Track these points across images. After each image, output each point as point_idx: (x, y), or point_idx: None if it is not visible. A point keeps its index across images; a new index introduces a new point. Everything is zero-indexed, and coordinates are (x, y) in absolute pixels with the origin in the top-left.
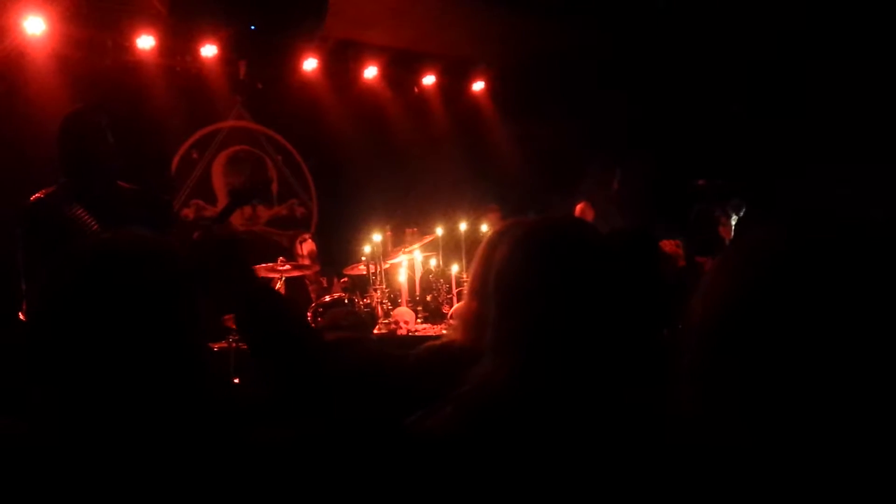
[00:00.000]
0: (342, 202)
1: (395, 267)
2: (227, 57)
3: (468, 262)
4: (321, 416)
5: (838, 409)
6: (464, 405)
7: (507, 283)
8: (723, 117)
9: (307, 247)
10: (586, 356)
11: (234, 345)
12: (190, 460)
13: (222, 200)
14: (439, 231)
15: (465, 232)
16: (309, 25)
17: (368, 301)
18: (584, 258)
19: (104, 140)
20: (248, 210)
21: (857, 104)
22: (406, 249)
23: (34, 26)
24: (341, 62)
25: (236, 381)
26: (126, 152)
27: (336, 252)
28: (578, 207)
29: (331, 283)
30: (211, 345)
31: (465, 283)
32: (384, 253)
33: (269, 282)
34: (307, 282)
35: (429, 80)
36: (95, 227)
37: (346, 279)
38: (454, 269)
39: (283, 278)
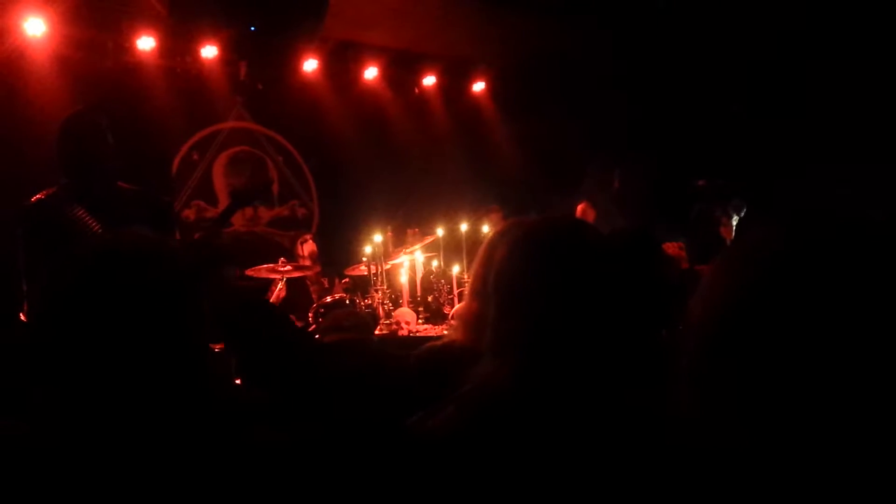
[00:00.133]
0: (343, 203)
1: (396, 267)
2: (227, 58)
3: (469, 262)
4: (322, 416)
5: (837, 409)
6: (465, 405)
7: (507, 283)
8: (723, 117)
9: (308, 247)
10: (586, 356)
11: None
12: (191, 461)
13: (223, 201)
14: (440, 231)
15: (466, 232)
16: (309, 26)
17: (370, 302)
18: (584, 258)
19: (104, 141)
20: (249, 211)
21: (858, 104)
22: (407, 250)
23: (34, 27)
24: (342, 63)
25: (237, 381)
26: (126, 153)
27: (337, 253)
28: (579, 207)
29: (332, 284)
30: (212, 346)
31: (467, 284)
32: (385, 253)
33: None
34: (308, 282)
35: (429, 80)
36: (96, 227)
37: (347, 280)
38: (455, 269)
39: (285, 279)
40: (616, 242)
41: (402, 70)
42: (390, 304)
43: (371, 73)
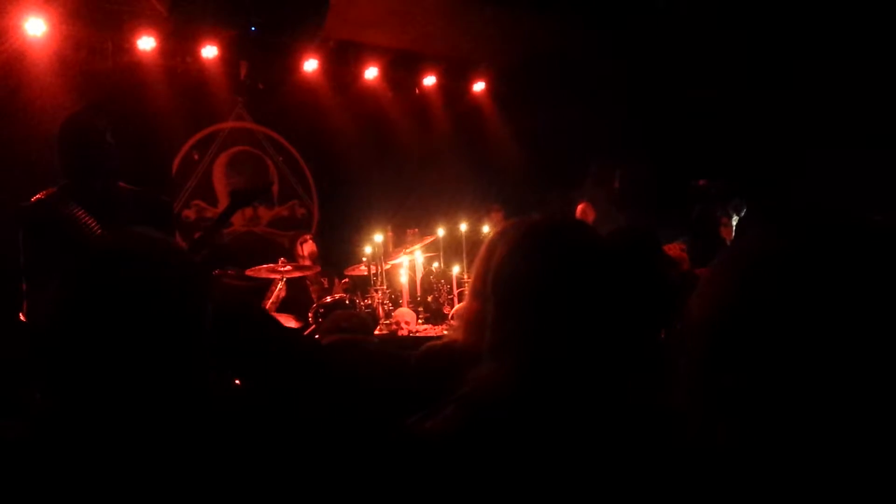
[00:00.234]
0: (343, 203)
1: (396, 268)
2: (227, 58)
3: (469, 262)
4: (321, 417)
5: (836, 410)
6: (465, 406)
7: (507, 283)
8: (723, 117)
9: (308, 247)
10: (586, 357)
11: None
12: (192, 461)
13: (223, 201)
14: (440, 232)
15: (467, 232)
16: (309, 26)
17: (369, 302)
18: (584, 258)
19: (104, 141)
20: (249, 211)
21: (858, 104)
22: (407, 250)
23: (35, 28)
24: (342, 63)
25: (237, 382)
26: (127, 153)
27: (337, 253)
28: (579, 207)
29: (332, 284)
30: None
31: (467, 284)
32: (385, 254)
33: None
34: (308, 283)
35: (429, 80)
36: (96, 227)
37: (347, 280)
38: (455, 269)
39: (284, 279)
40: (616, 242)
41: (402, 70)
42: (390, 305)
43: (371, 73)
